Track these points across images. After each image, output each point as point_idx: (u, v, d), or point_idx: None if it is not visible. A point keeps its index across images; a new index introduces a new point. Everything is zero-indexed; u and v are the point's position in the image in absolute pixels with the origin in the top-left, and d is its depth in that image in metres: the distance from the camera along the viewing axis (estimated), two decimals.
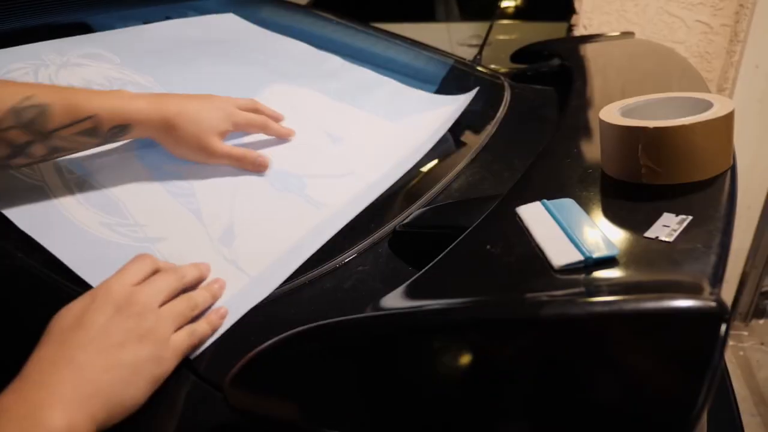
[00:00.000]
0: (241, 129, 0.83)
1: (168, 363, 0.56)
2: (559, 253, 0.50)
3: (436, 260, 0.56)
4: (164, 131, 0.75)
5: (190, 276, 0.63)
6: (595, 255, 0.48)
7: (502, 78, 1.44)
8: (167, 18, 1.36)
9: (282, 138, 0.89)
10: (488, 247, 0.55)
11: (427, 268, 0.55)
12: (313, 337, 0.50)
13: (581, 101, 0.96)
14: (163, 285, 0.60)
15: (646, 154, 0.58)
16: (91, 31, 1.18)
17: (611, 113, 0.64)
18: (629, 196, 0.59)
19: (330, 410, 0.49)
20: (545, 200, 0.59)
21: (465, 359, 0.45)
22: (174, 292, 0.61)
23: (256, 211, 0.75)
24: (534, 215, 0.57)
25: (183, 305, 0.60)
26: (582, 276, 0.47)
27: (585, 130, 0.82)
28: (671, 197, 0.57)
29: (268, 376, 0.51)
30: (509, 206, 0.61)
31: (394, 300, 0.51)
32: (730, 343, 2.48)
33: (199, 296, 0.62)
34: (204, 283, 0.65)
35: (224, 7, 1.51)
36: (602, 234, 0.52)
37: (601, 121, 0.63)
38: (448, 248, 0.57)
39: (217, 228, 0.71)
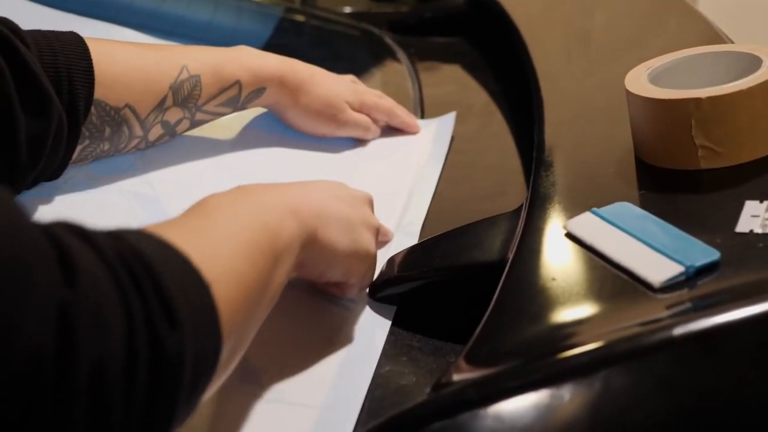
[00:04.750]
0: (366, 110, 0.80)
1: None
2: (653, 268, 0.43)
3: (490, 313, 0.45)
4: (295, 95, 0.75)
5: None
6: (698, 263, 0.43)
7: (377, 32, 1.09)
8: None
9: (408, 130, 0.83)
10: (553, 279, 0.46)
11: (483, 324, 0.44)
12: None
13: (548, 66, 0.81)
14: None
15: (702, 131, 0.50)
16: None
17: (640, 82, 0.55)
18: (689, 187, 0.53)
19: None
20: (596, 209, 0.50)
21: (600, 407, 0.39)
22: None
23: (266, 325, 0.59)
24: (592, 229, 0.48)
25: None
26: (687, 289, 0.42)
27: (583, 108, 0.73)
28: (741, 181, 0.51)
29: None
30: (540, 225, 0.52)
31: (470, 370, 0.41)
32: None
33: None
34: None
35: None
36: (690, 238, 0.45)
37: (631, 95, 0.55)
38: (497, 294, 0.46)
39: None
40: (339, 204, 0.50)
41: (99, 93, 0.61)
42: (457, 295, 0.56)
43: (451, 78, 1.08)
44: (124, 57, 0.65)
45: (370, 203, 0.54)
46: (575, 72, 0.83)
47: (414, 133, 0.84)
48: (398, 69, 1.03)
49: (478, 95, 0.98)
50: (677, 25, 0.85)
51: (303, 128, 0.78)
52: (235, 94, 0.71)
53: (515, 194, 0.67)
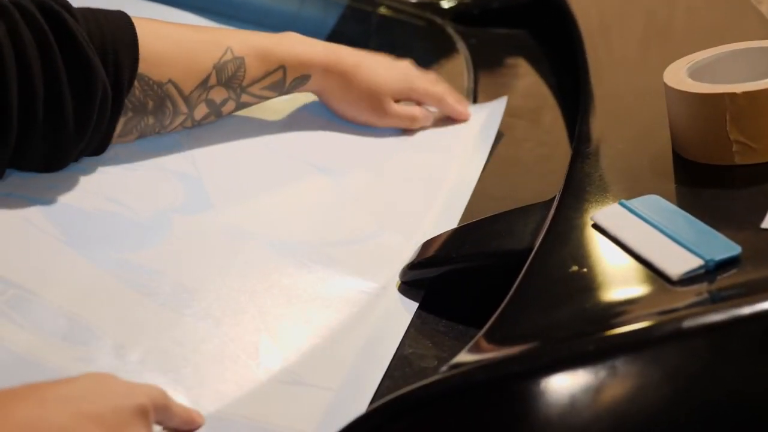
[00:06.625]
0: (417, 98, 0.82)
1: None
2: (673, 261, 0.44)
3: (509, 298, 0.46)
4: (339, 84, 0.76)
5: None
6: (718, 257, 0.43)
7: (439, 21, 1.10)
8: None
9: (458, 119, 0.84)
10: (574, 268, 0.47)
11: (502, 309, 0.45)
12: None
13: (601, 57, 0.82)
14: None
15: (737, 126, 0.50)
16: None
17: (679, 76, 0.55)
18: (722, 182, 0.53)
19: None
20: (624, 201, 0.50)
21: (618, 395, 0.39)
22: None
23: (291, 309, 0.60)
24: (619, 221, 0.49)
25: None
26: (706, 283, 0.43)
27: (627, 101, 0.73)
28: None
29: None
30: (570, 215, 0.53)
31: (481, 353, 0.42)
32: None
33: None
34: None
35: None
36: (714, 232, 0.46)
37: (668, 88, 0.55)
38: (519, 279, 0.47)
39: (247, 347, 0.56)
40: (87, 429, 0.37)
41: (142, 68, 0.63)
42: (485, 281, 0.56)
43: (509, 70, 1.08)
44: (169, 34, 0.66)
45: (145, 413, 0.40)
46: (629, 67, 0.83)
47: (463, 121, 0.84)
48: (456, 59, 1.04)
49: (534, 87, 0.99)
50: (737, 22, 0.83)
51: (347, 116, 0.79)
52: (280, 79, 0.72)
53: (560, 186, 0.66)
